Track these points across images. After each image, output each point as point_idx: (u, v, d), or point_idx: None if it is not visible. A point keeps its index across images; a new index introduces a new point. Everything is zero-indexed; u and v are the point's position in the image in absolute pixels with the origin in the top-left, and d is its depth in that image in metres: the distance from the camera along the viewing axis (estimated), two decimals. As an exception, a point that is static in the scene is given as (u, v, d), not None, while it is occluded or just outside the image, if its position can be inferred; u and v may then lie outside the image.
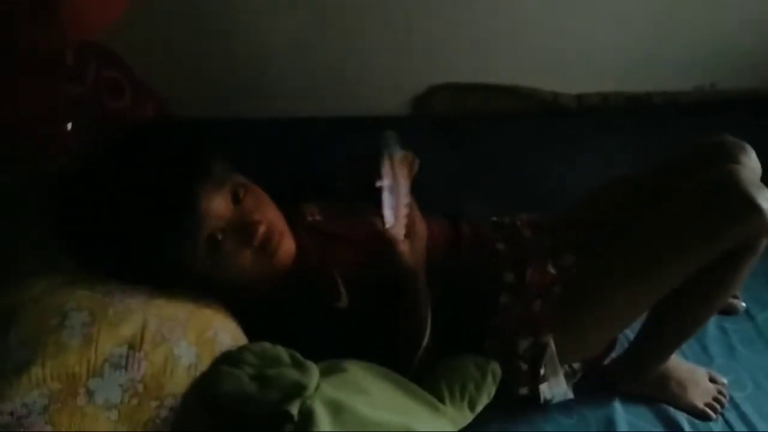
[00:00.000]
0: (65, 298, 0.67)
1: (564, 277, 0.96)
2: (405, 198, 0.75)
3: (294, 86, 1.30)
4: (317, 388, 0.67)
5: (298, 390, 0.65)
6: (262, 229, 0.79)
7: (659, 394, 1.00)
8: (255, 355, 0.69)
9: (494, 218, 1.11)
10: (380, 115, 1.37)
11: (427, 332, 0.83)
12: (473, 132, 1.38)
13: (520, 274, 0.96)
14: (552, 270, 0.97)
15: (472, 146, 1.37)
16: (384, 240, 0.79)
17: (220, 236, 0.77)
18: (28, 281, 0.69)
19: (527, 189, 1.29)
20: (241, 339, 0.78)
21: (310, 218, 0.98)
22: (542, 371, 0.90)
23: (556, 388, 0.92)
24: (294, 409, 0.63)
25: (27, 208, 0.82)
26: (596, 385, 1.00)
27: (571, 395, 0.94)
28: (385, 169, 0.76)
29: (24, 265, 0.72)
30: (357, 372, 0.73)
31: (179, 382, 0.67)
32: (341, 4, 1.21)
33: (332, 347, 0.80)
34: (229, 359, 0.70)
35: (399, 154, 0.74)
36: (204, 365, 0.69)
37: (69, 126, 0.94)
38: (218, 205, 0.76)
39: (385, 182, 0.80)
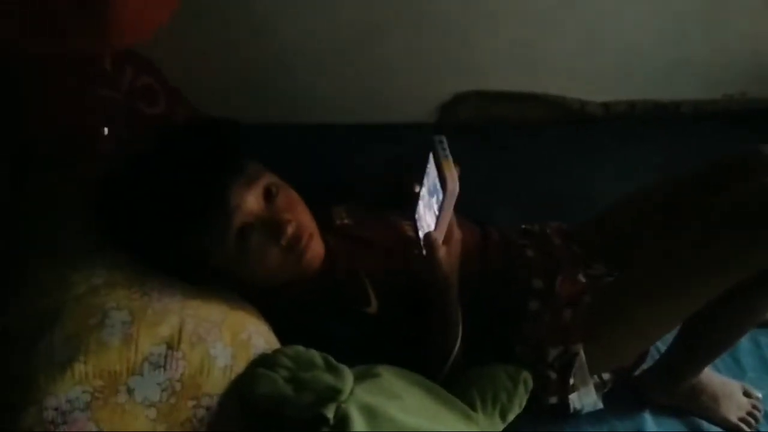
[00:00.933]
0: (106, 297, 0.68)
1: (594, 286, 0.95)
2: (451, 203, 0.74)
3: (322, 93, 1.31)
4: (351, 392, 0.67)
5: (333, 394, 0.65)
6: (291, 228, 0.79)
7: (691, 406, 0.98)
8: (289, 358, 0.70)
9: (523, 225, 1.11)
10: (407, 122, 1.38)
11: (459, 338, 0.82)
12: (500, 140, 1.38)
13: (549, 281, 0.96)
14: (582, 279, 0.97)
15: (499, 154, 1.37)
16: (422, 245, 0.78)
17: (249, 230, 0.77)
18: (70, 282, 0.70)
19: (553, 197, 1.29)
20: (274, 342, 0.78)
21: (338, 222, 0.98)
22: (572, 381, 0.89)
23: (585, 398, 0.91)
24: (330, 413, 0.63)
25: (65, 210, 0.83)
26: (626, 397, 0.99)
27: (600, 405, 0.93)
28: (433, 172, 0.75)
29: (67, 265, 0.73)
30: (390, 378, 0.73)
31: (215, 382, 0.67)
32: (368, 12, 1.22)
33: (361, 352, 0.79)
34: (264, 362, 0.70)
35: (448, 158, 0.73)
36: (239, 366, 0.70)
37: (105, 131, 0.97)
38: (250, 200, 0.78)
39: (426, 186, 0.79)
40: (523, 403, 0.83)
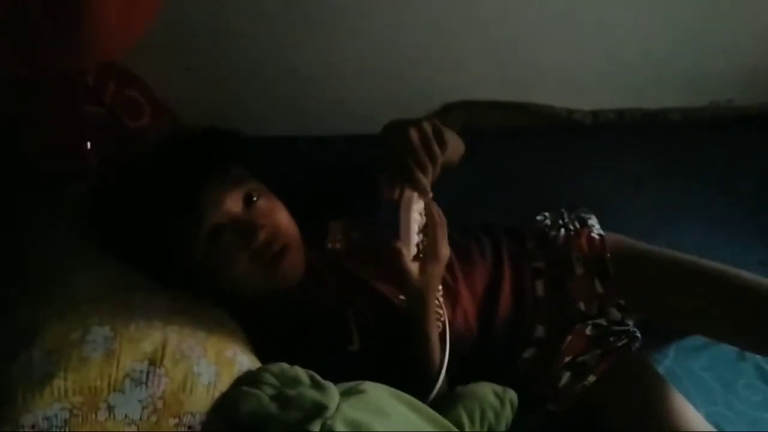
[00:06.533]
0: (88, 312, 0.67)
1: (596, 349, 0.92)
2: (406, 214, 0.72)
3: (310, 105, 1.31)
4: (337, 408, 0.65)
5: (319, 410, 0.64)
6: (263, 233, 0.77)
7: None
8: (274, 376, 0.68)
9: (549, 230, 1.04)
10: (395, 133, 1.37)
11: (441, 360, 0.80)
12: (489, 149, 1.38)
13: (552, 329, 0.93)
14: (588, 332, 0.93)
15: (487, 163, 1.37)
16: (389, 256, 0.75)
17: (221, 231, 0.76)
18: (52, 296, 0.69)
19: (542, 206, 1.28)
20: (259, 358, 0.77)
21: (330, 245, 0.94)
22: None
23: None
24: (315, 429, 0.62)
25: (49, 225, 0.82)
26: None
27: None
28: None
29: (49, 280, 0.73)
30: (376, 394, 0.72)
31: (198, 400, 0.66)
32: (356, 24, 1.22)
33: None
34: (248, 379, 0.69)
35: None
36: (223, 384, 0.69)
37: (88, 145, 0.96)
38: (227, 202, 0.76)
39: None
40: (509, 423, 0.82)
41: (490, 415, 0.79)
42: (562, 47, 1.33)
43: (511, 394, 0.83)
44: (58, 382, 0.60)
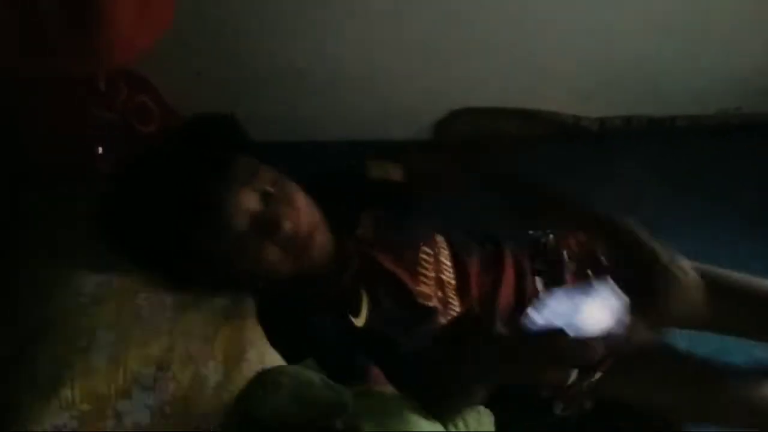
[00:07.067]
0: (93, 317, 0.67)
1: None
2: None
3: (315, 111, 1.32)
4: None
5: (338, 408, 0.64)
6: (287, 223, 0.76)
7: None
8: (289, 377, 0.68)
9: (541, 239, 1.05)
10: (402, 139, 1.38)
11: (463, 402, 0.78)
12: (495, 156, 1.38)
13: None
14: None
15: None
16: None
17: (247, 231, 0.75)
18: (54, 298, 0.69)
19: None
20: (268, 353, 0.76)
21: (360, 232, 0.93)
22: None
23: None
24: (340, 425, 0.62)
25: (57, 228, 0.82)
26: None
27: None
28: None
29: (50, 282, 0.72)
30: (380, 395, 0.73)
31: (207, 402, 0.66)
32: (360, 29, 1.23)
33: (335, 354, 0.77)
34: (265, 380, 0.69)
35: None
36: (232, 385, 0.69)
37: (99, 150, 0.97)
38: (246, 201, 0.75)
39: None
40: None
41: (472, 420, 0.80)
42: (569, 54, 1.32)
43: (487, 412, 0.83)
44: (65, 391, 0.60)
